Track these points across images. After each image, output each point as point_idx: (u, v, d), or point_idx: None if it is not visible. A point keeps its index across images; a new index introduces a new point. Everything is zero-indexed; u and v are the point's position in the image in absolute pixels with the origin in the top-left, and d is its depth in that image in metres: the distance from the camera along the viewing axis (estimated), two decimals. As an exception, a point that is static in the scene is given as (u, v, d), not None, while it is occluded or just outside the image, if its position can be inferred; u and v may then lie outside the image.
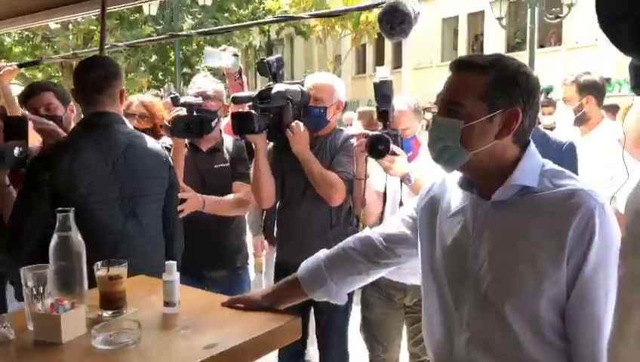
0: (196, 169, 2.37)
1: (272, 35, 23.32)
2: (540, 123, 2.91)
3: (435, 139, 1.17)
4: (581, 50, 14.35)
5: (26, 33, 14.07)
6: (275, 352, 2.26)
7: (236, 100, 2.30)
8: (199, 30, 9.79)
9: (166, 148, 2.31)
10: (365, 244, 1.38)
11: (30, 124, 2.04)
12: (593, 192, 1.09)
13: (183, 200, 2.15)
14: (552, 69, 11.63)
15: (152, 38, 11.15)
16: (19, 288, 1.52)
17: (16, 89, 2.75)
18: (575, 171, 2.12)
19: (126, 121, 1.97)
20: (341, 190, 2.17)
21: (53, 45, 14.18)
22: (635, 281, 0.74)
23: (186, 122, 2.23)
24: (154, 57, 16.23)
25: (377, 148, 1.99)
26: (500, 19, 10.73)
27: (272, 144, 2.32)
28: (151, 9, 12.59)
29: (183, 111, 2.26)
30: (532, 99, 1.13)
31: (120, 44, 5.83)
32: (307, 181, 2.19)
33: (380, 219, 2.19)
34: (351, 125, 6.24)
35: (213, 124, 2.31)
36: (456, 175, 1.23)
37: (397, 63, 19.31)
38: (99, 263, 1.35)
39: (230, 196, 2.34)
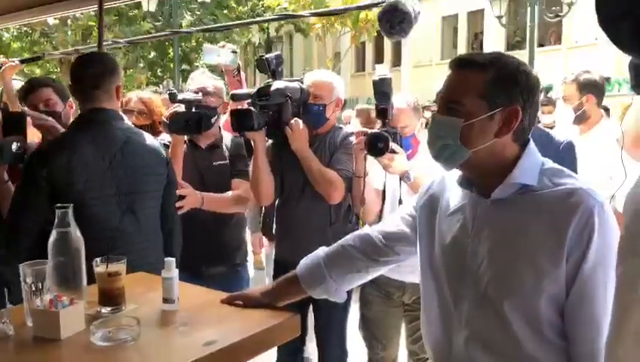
0: (195, 166, 2.36)
1: (271, 32, 23.26)
2: (539, 122, 2.92)
3: (434, 137, 1.17)
4: (581, 49, 14.36)
5: (25, 29, 14.03)
6: (274, 349, 2.26)
7: (235, 97, 2.30)
8: (200, 27, 9.78)
9: (165, 144, 2.31)
10: (364, 242, 1.39)
11: (29, 120, 2.04)
12: (592, 191, 1.10)
13: (182, 197, 2.15)
14: (551, 68, 11.62)
15: (152, 35, 11.12)
16: (15, 289, 1.52)
17: (18, 85, 2.75)
18: (574, 170, 2.13)
19: (124, 117, 1.97)
20: (340, 188, 2.17)
21: (51, 41, 14.14)
22: (633, 280, 0.74)
23: (184, 118, 2.23)
24: (153, 54, 16.19)
25: (377, 146, 1.99)
26: (499, 17, 10.72)
27: (271, 141, 2.32)
28: (150, 5, 12.56)
29: (182, 108, 2.26)
30: (532, 97, 1.13)
31: (121, 40, 5.83)
32: (306, 178, 2.19)
33: (379, 217, 2.20)
34: (349, 123, 6.24)
35: (212, 120, 2.31)
36: (456, 173, 1.23)
37: (396, 61, 19.29)
38: (98, 259, 1.36)
39: (229, 193, 2.34)
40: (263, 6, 17.62)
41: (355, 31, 17.48)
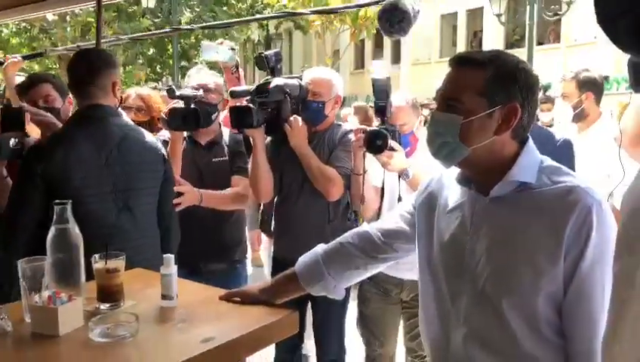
0: (194, 162, 2.36)
1: (270, 29, 23.23)
2: (538, 119, 2.92)
3: (434, 134, 1.17)
4: (580, 47, 14.35)
5: (24, 25, 13.99)
6: (273, 346, 2.27)
7: (234, 94, 2.30)
8: (200, 25, 9.76)
9: (164, 141, 2.30)
10: (363, 239, 1.39)
11: (28, 116, 2.04)
12: (591, 189, 1.10)
13: (180, 194, 2.15)
14: (550, 67, 11.62)
15: (153, 32, 11.12)
16: (8, 290, 1.51)
17: (20, 80, 2.75)
18: (572, 168, 2.13)
19: (123, 113, 1.97)
20: (339, 185, 2.17)
21: (50, 37, 14.10)
22: (629, 279, 0.74)
23: (182, 114, 2.22)
24: (152, 50, 16.17)
25: (375, 143, 1.99)
26: (499, 15, 10.71)
27: (269, 138, 2.32)
28: (149, 2, 12.54)
29: (180, 104, 2.26)
30: (531, 95, 1.13)
31: (123, 36, 5.81)
32: (305, 176, 2.19)
33: (378, 215, 2.20)
34: (347, 121, 6.24)
35: (213, 117, 2.31)
36: (454, 171, 1.23)
37: (396, 59, 19.29)
38: (96, 256, 1.36)
39: (228, 190, 2.34)
40: (262, 3, 17.58)
41: (354, 28, 17.45)
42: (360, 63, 22.93)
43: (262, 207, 3.28)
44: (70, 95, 2.36)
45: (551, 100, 4.84)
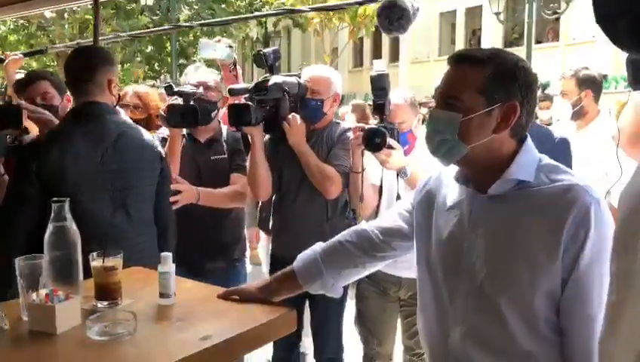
0: (193, 160, 2.36)
1: (269, 26, 23.20)
2: (537, 118, 2.92)
3: (432, 132, 1.17)
4: (578, 46, 14.35)
5: (22, 22, 13.95)
6: (271, 344, 2.27)
7: (232, 92, 2.29)
8: (199, 22, 9.74)
9: (163, 138, 2.30)
10: (361, 237, 1.39)
11: (25, 113, 2.03)
12: (589, 187, 1.10)
13: (178, 192, 2.14)
14: (549, 65, 11.62)
15: (151, 29, 11.09)
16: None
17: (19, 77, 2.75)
18: (569, 166, 2.13)
19: (120, 111, 1.96)
20: (337, 183, 2.17)
21: (48, 34, 14.06)
22: (626, 278, 0.74)
23: (181, 111, 2.22)
24: (150, 48, 16.13)
25: (374, 141, 1.98)
26: (497, 14, 10.72)
27: (268, 136, 2.32)
28: (147, -1, 12.51)
29: (179, 101, 2.25)
30: (530, 93, 1.13)
31: (121, 34, 5.80)
32: (304, 174, 2.19)
33: (376, 213, 2.20)
34: (344, 119, 6.24)
35: (212, 114, 2.30)
36: (453, 169, 1.23)
37: (394, 57, 19.27)
38: (94, 254, 1.35)
39: (226, 188, 2.34)
40: (261, 1, 17.55)
41: (353, 26, 17.44)
42: (358, 61, 22.92)
43: (260, 204, 3.28)
44: (68, 93, 2.36)
45: (549, 98, 4.84)
